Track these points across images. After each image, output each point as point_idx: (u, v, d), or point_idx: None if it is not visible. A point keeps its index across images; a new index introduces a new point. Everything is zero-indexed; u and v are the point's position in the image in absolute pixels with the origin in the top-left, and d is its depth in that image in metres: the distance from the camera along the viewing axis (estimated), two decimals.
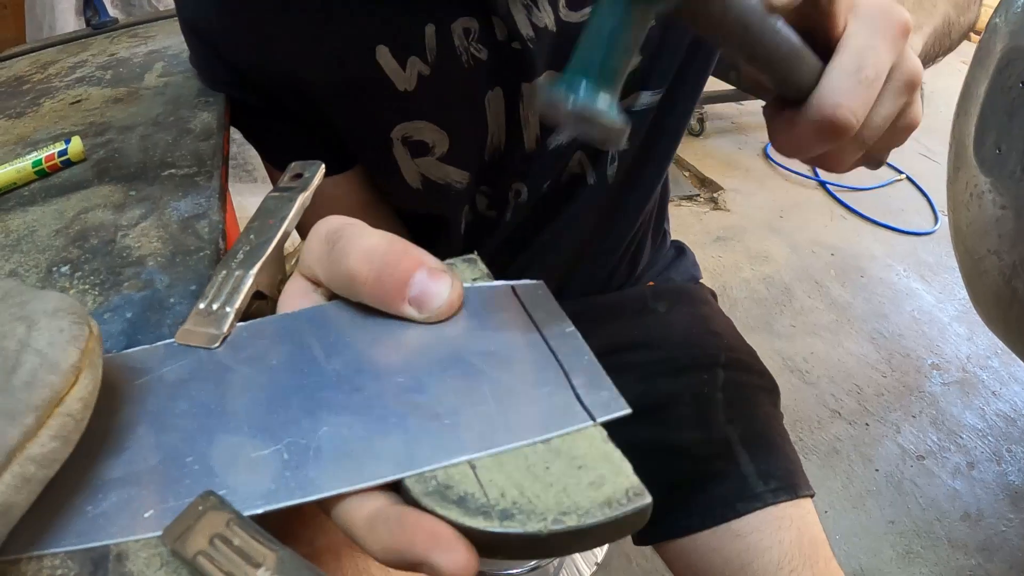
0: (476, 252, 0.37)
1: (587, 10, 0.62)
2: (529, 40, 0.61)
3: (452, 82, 0.64)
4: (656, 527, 0.76)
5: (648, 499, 0.25)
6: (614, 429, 0.28)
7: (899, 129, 0.44)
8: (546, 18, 0.61)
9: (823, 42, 0.39)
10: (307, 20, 0.61)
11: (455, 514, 0.25)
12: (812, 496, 0.74)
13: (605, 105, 0.30)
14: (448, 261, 0.36)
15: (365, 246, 0.32)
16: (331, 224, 0.33)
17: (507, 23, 0.60)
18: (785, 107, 0.41)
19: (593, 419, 0.28)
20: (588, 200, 0.77)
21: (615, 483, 0.25)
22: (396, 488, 0.27)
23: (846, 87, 0.38)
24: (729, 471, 0.73)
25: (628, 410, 0.28)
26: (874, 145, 0.43)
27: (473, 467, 0.26)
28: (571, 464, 0.26)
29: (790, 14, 0.36)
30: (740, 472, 0.73)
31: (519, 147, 0.70)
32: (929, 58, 0.56)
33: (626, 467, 0.26)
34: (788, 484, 0.73)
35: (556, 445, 0.27)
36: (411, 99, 0.64)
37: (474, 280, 0.35)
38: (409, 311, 0.31)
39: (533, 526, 0.24)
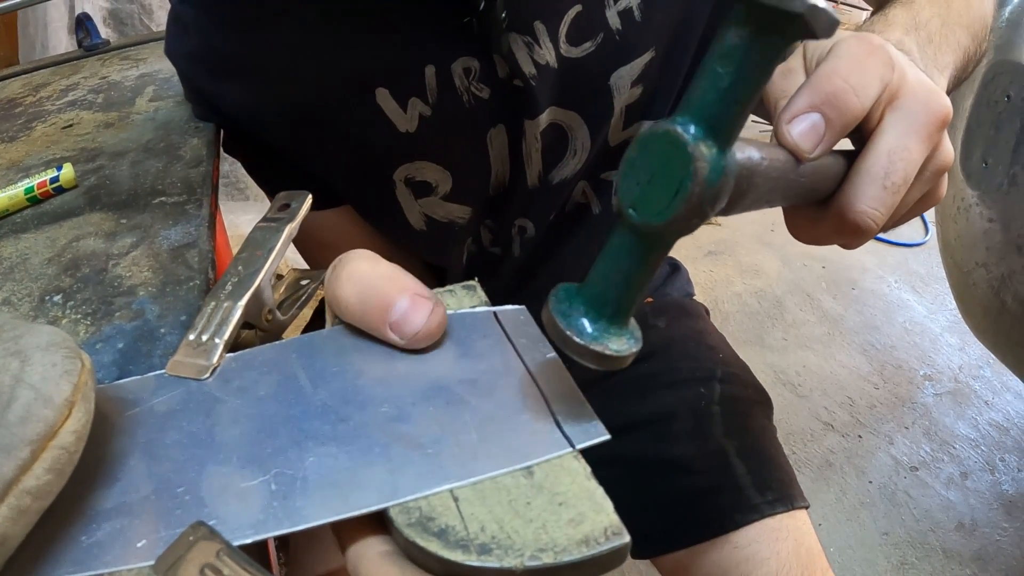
0: (476, 279, 0.37)
1: (587, 45, 0.62)
2: (531, 78, 0.61)
3: (454, 122, 0.63)
4: (654, 540, 0.76)
5: (626, 539, 0.25)
6: (613, 441, 0.29)
7: (918, 208, 0.43)
8: (547, 55, 0.61)
9: (854, 134, 0.37)
10: (304, 67, 0.61)
11: (435, 546, 0.25)
12: (807, 507, 0.75)
13: (620, 345, 0.30)
14: (448, 287, 0.37)
15: (353, 271, 0.32)
16: (343, 254, 0.34)
17: (508, 62, 0.60)
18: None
19: (572, 446, 0.29)
20: (595, 229, 0.77)
21: (595, 521, 0.26)
22: (381, 517, 0.27)
23: (871, 193, 0.36)
24: (726, 483, 0.74)
25: (607, 436, 0.29)
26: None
27: (456, 499, 0.27)
28: (552, 500, 0.27)
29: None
30: (737, 484, 0.74)
31: (522, 182, 0.69)
32: (947, 93, 0.54)
33: (607, 505, 0.26)
34: (784, 495, 0.73)
35: (539, 480, 0.27)
36: (413, 140, 0.64)
37: (472, 307, 0.36)
38: (392, 336, 0.32)
39: (510, 561, 0.25)
